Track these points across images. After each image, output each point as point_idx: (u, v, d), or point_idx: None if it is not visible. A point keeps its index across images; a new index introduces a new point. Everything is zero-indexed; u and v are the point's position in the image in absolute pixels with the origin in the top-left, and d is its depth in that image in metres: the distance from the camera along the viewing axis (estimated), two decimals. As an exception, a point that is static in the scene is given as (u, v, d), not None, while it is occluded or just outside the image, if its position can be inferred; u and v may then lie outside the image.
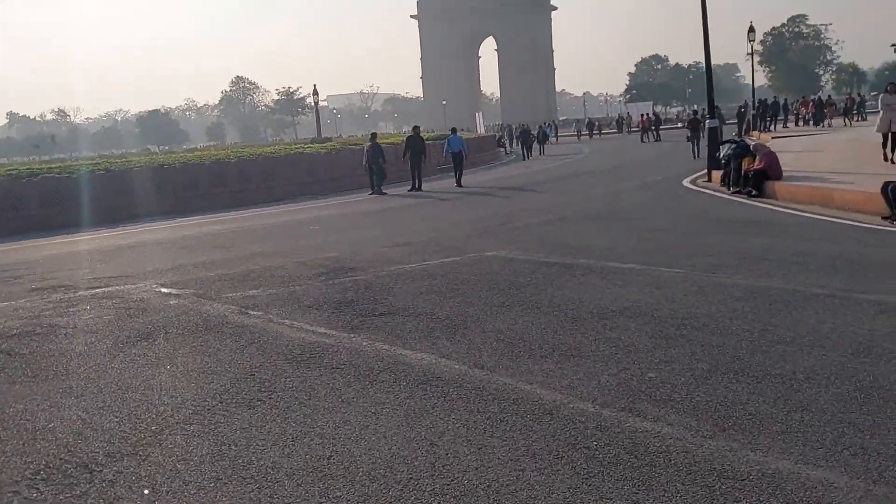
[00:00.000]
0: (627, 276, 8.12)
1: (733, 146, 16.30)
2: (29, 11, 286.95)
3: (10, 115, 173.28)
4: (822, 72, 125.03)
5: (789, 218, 12.11)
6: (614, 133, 62.05)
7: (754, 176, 15.11)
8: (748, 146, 16.44)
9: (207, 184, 23.60)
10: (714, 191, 16.91)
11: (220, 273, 9.84)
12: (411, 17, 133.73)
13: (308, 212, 18.72)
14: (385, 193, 22.45)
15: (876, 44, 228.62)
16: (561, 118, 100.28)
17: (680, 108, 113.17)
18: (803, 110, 44.57)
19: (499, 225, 13.32)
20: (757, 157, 15.47)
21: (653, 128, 45.95)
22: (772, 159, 15.29)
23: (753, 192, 15.00)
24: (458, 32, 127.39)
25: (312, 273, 9.41)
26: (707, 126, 18.31)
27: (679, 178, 20.94)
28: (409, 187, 23.16)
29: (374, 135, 24.18)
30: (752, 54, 47.93)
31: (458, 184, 23.52)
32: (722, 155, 16.39)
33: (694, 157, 27.28)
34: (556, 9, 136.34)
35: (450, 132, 27.22)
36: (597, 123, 65.28)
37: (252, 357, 5.82)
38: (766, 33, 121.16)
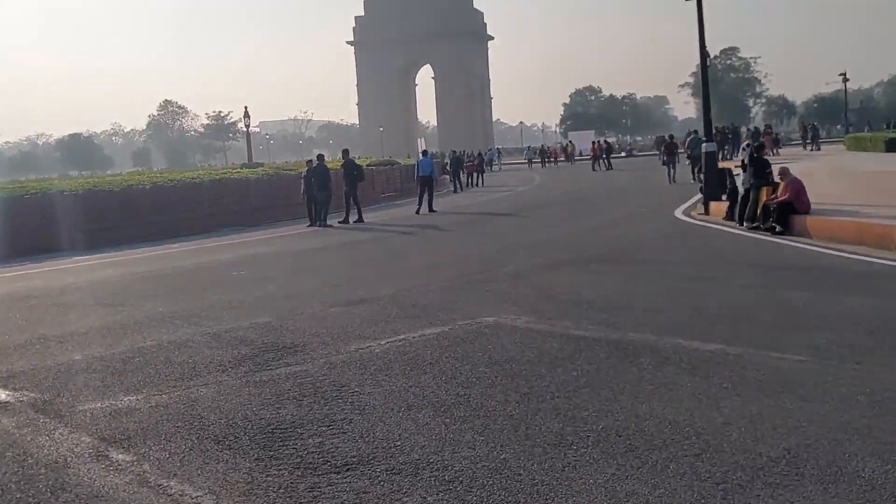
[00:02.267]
0: (725, 368, 5.21)
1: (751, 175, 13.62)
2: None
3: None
4: (752, 103, 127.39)
5: (857, 265, 9.46)
6: (562, 161, 59.98)
7: (778, 209, 12.54)
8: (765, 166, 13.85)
9: (117, 214, 19.93)
10: (721, 225, 14.35)
11: (90, 355, 6.52)
12: (347, 43, 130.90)
13: (234, 248, 15.36)
14: (330, 225, 19.22)
15: (802, 77, 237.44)
16: (497, 146, 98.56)
17: (612, 139, 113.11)
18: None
19: (484, 270, 10.30)
20: (780, 186, 12.93)
21: (604, 156, 43.89)
22: (798, 188, 12.75)
23: (778, 229, 12.42)
24: (394, 60, 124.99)
25: (230, 357, 6.19)
26: (704, 150, 15.79)
27: (665, 208, 18.43)
28: (342, 219, 19.95)
29: (320, 156, 20.89)
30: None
31: (431, 208, 21.74)
32: (742, 181, 13.75)
33: (670, 183, 26.28)
34: (492, 38, 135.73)
35: (420, 155, 25.25)
36: (549, 150, 63.09)
37: None
38: (697, 65, 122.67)
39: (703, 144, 15.79)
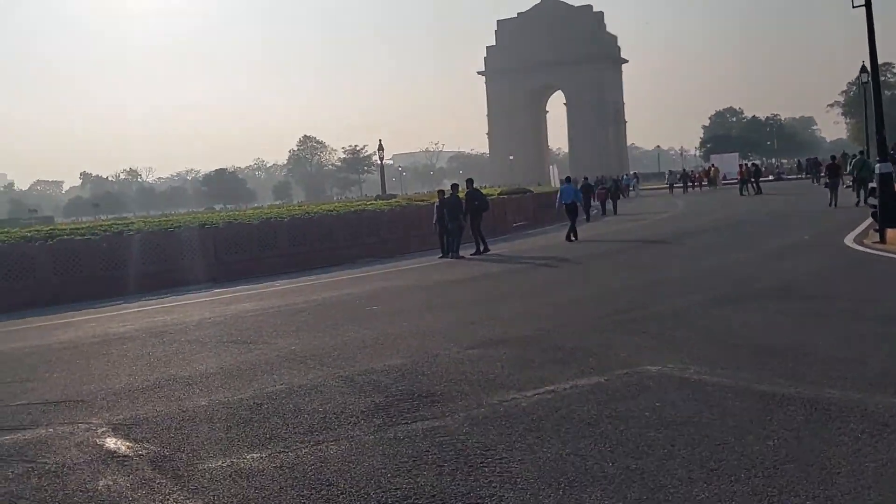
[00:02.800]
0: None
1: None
2: (102, 79, 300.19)
3: (83, 174, 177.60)
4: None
5: None
6: (705, 186, 57.07)
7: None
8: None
9: (256, 246, 20.33)
10: (903, 255, 12.65)
11: (217, 400, 6.15)
12: (478, 73, 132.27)
13: (367, 281, 15.09)
14: (462, 257, 18.70)
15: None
16: (633, 171, 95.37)
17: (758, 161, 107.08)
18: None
19: (634, 308, 9.34)
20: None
21: (752, 179, 41.17)
22: None
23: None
24: (524, 87, 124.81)
25: (362, 406, 5.62)
26: (879, 171, 14.02)
27: (830, 235, 16.67)
28: (475, 250, 19.39)
29: (454, 186, 20.50)
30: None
31: (573, 237, 20.91)
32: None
33: (831, 206, 24.91)
34: (626, 62, 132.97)
35: (563, 181, 24.81)
36: (691, 174, 60.43)
37: None
38: (849, 83, 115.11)
39: (878, 165, 14.02)
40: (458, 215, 19.23)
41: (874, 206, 15.73)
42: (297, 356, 7.68)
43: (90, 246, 17.43)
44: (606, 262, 15.72)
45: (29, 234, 17.66)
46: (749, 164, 45.63)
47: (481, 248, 19.43)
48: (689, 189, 55.14)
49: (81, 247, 17.30)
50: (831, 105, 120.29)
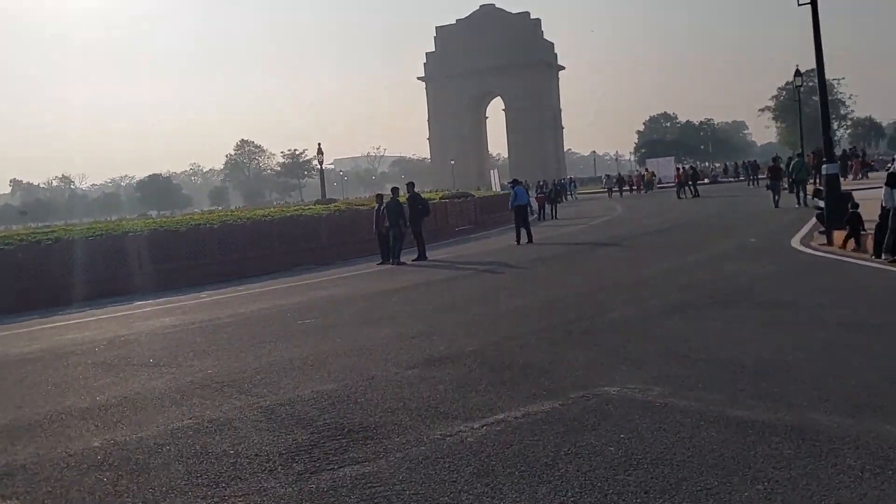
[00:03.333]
0: None
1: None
2: (35, 81, 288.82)
3: (14, 182, 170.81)
4: (836, 126, 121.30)
5: None
6: (641, 190, 57.59)
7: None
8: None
9: (184, 253, 19.14)
10: (851, 257, 12.40)
11: (112, 440, 5.23)
12: (418, 79, 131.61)
13: (302, 291, 14.16)
14: (403, 263, 17.91)
15: (888, 98, 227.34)
16: (569, 176, 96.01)
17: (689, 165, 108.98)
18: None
19: (585, 317, 8.70)
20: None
21: (690, 182, 41.49)
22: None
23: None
24: (465, 93, 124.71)
25: (281, 447, 4.80)
26: (825, 173, 13.79)
27: (776, 237, 16.47)
28: (416, 256, 18.72)
29: (394, 190, 19.69)
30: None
31: (530, 238, 20.88)
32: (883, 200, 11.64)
33: (777, 207, 25.28)
34: (563, 68, 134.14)
35: (510, 184, 24.22)
36: (629, 178, 60.93)
37: None
38: (779, 88, 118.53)
39: (825, 165, 13.78)
40: (400, 220, 18.49)
41: (819, 209, 15.58)
42: (213, 382, 6.78)
43: (3, 257, 16.05)
44: (553, 267, 15.15)
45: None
46: (686, 168, 46.03)
47: (416, 255, 18.73)
48: (626, 193, 55.61)
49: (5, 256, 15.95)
50: (762, 110, 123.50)
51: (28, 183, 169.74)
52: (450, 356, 7.10)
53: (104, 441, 5.19)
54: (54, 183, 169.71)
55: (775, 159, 29.51)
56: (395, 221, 18.39)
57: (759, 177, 48.54)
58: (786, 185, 26.93)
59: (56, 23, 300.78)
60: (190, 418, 5.63)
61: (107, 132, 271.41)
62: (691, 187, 41.44)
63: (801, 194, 24.83)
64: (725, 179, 64.81)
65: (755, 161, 54.81)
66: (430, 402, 5.55)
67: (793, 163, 25.74)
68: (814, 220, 18.06)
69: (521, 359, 6.77)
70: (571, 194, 59.41)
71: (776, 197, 25.79)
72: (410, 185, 20.38)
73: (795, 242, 14.96)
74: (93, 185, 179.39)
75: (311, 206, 27.83)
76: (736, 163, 68.98)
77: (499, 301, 10.72)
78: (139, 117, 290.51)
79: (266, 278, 17.59)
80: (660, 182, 58.79)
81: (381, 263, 18.47)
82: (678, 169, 46.04)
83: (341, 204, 28.46)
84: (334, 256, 21.84)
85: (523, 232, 20.94)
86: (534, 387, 5.78)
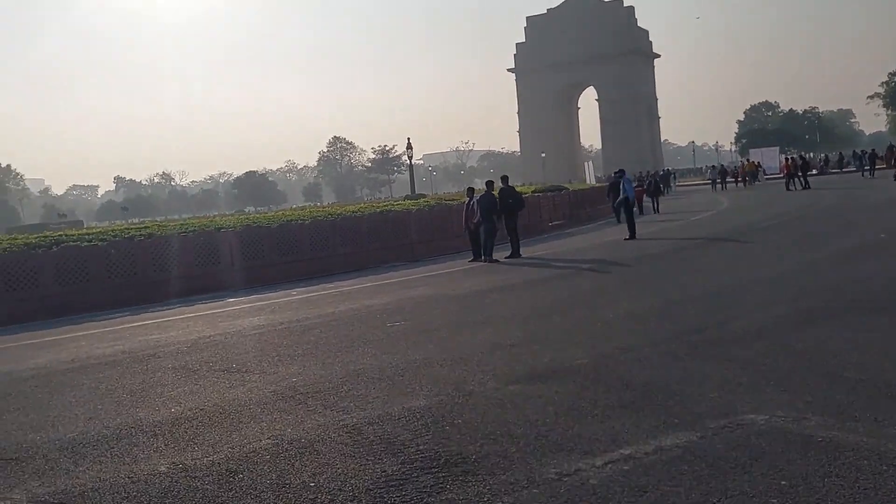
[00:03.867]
0: None
1: None
2: (138, 85, 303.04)
3: (117, 179, 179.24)
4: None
5: None
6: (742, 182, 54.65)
7: None
8: None
9: (275, 250, 18.97)
10: None
11: (179, 465, 4.68)
12: (508, 70, 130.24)
13: (391, 290, 13.59)
14: (496, 260, 17.13)
15: None
16: (667, 167, 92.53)
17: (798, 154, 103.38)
18: None
19: (708, 325, 7.68)
20: None
21: (799, 173, 38.92)
22: None
23: None
24: (555, 85, 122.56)
25: (367, 478, 4.13)
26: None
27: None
28: (510, 253, 17.86)
29: (489, 183, 18.89)
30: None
31: (633, 236, 19.54)
32: None
33: None
34: (658, 56, 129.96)
35: (617, 174, 22.31)
36: (730, 170, 57.94)
37: None
38: (890, 73, 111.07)
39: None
40: (493, 215, 17.73)
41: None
42: (296, 392, 6.20)
43: (96, 253, 16.19)
44: (662, 266, 13.98)
45: (34, 241, 16.45)
46: (796, 157, 43.26)
47: (510, 252, 17.90)
48: (731, 185, 52.78)
49: (87, 254, 16.09)
50: (871, 97, 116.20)
51: (130, 180, 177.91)
52: (556, 370, 6.29)
53: (171, 465, 4.64)
54: (156, 180, 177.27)
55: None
56: (488, 216, 17.63)
57: (876, 167, 45.39)
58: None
59: (155, 28, 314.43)
60: (269, 437, 5.04)
61: (207, 132, 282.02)
62: (800, 178, 38.89)
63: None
64: (834, 170, 60.82)
65: (873, 150, 50.96)
66: (538, 429, 4.76)
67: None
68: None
69: (642, 376, 5.88)
70: (671, 186, 56.60)
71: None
72: (504, 179, 19.53)
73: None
74: (192, 181, 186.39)
75: (399, 202, 27.41)
76: (855, 151, 64.47)
77: (605, 305, 9.78)
78: (237, 117, 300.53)
79: (356, 275, 17.17)
80: (765, 173, 55.70)
81: (472, 260, 17.74)
82: (786, 159, 43.29)
83: (430, 199, 27.94)
84: (424, 253, 21.27)
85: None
86: (662, 412, 4.90)
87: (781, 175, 43.35)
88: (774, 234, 17.88)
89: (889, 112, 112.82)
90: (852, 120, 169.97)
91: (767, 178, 53.52)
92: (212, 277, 17.24)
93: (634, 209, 29.43)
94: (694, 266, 13.47)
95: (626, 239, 19.22)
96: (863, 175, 46.11)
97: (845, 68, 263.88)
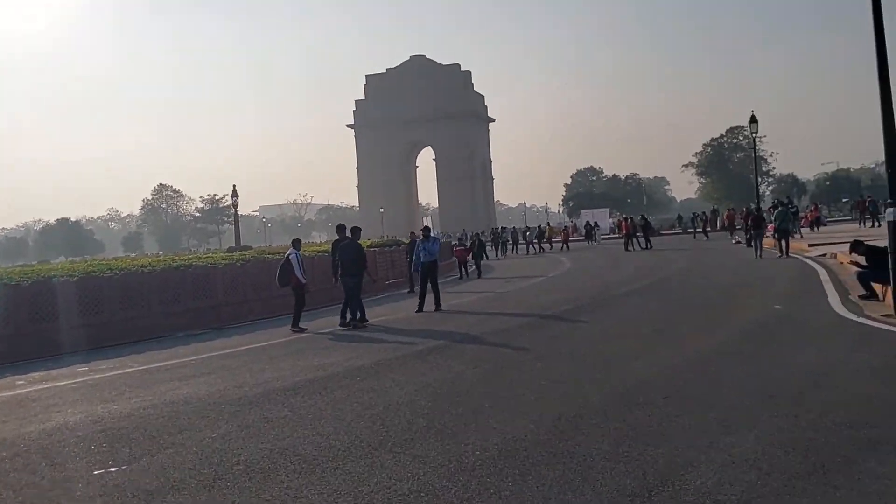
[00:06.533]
0: None
1: None
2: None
3: None
4: (760, 181, 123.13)
5: None
6: (579, 240, 54.39)
7: None
8: None
9: (25, 315, 14.30)
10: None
11: None
12: (347, 126, 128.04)
13: (155, 381, 9.62)
14: (304, 330, 13.64)
15: (804, 156, 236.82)
16: (512, 226, 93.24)
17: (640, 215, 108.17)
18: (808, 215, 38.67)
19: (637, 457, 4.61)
20: None
21: (638, 234, 38.41)
22: None
23: None
24: (395, 142, 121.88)
25: None
26: (891, 218, 10.23)
27: (803, 301, 12.79)
28: (347, 318, 14.44)
29: (355, 230, 15.05)
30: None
31: (438, 305, 16.33)
32: None
33: (757, 258, 23.46)
34: (493, 120, 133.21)
35: (421, 233, 18.20)
36: (551, 230, 53.77)
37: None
38: (704, 144, 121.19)
39: (890, 209, 10.24)
40: (361, 269, 14.55)
41: (862, 267, 12.11)
42: None
43: None
44: (528, 351, 11.00)
45: None
46: (637, 218, 43.15)
47: (356, 315, 14.43)
48: (552, 246, 48.77)
49: None
50: (686, 165, 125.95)
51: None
52: None
53: None
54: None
55: (758, 209, 27.62)
56: (355, 270, 14.31)
57: (707, 229, 46.43)
58: (768, 234, 25.22)
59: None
60: None
61: (19, 177, 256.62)
62: (639, 240, 38.46)
63: (785, 244, 22.67)
64: (665, 232, 62.34)
65: (704, 212, 52.17)
66: None
67: (776, 211, 23.16)
68: (820, 272, 15.19)
69: None
70: (515, 246, 50.48)
71: (758, 247, 24.30)
72: (355, 231, 15.44)
73: (839, 308, 11.37)
74: (3, 229, 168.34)
75: (209, 255, 23.24)
76: (679, 214, 67.31)
77: (481, 415, 6.51)
78: (54, 162, 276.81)
79: (128, 350, 13.03)
80: (572, 233, 55.00)
81: (292, 328, 14.10)
82: (624, 220, 43.07)
83: (248, 253, 24.02)
84: (233, 317, 17.40)
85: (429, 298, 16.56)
86: None
87: (619, 235, 43.07)
88: (643, 303, 15.09)
89: (700, 180, 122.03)
90: (666, 187, 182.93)
91: (603, 238, 53.63)
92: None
93: (464, 269, 26.52)
94: (566, 350, 10.53)
95: (418, 311, 15.98)
96: (695, 237, 46.80)
97: (661, 140, 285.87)
